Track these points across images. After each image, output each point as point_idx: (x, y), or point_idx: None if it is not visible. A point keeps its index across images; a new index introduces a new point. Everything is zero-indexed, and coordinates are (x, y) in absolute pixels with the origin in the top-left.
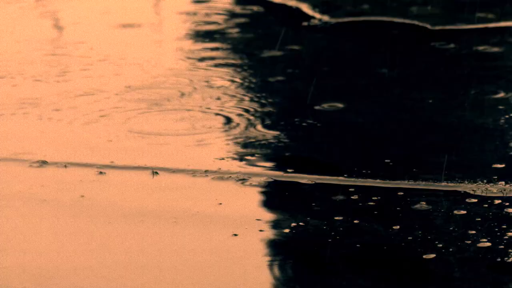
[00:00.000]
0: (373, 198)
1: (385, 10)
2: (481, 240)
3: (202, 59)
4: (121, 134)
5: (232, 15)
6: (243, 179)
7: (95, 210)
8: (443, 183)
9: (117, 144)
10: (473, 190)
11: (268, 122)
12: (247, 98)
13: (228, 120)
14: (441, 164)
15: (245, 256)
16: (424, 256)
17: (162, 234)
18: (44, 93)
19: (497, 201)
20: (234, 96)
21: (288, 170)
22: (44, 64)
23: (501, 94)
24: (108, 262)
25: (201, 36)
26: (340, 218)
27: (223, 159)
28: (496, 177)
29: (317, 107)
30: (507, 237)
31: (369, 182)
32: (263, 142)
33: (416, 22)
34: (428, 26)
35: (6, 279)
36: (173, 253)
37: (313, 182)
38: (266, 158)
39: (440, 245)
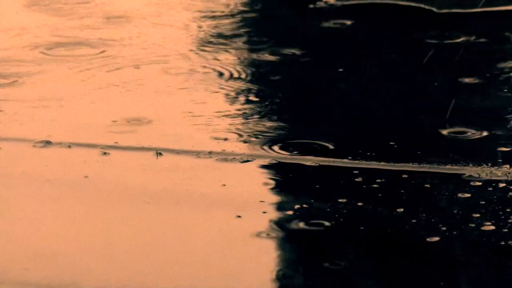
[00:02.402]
0: (377, 180)
1: None
2: (485, 224)
3: (204, 40)
4: (126, 114)
5: None
6: (247, 161)
7: (99, 191)
8: (448, 166)
9: (121, 124)
10: (477, 173)
11: (272, 104)
12: (250, 80)
13: (232, 103)
14: (446, 147)
15: (248, 238)
16: (427, 239)
17: (165, 215)
18: (48, 74)
19: (501, 185)
20: (237, 78)
21: (293, 152)
22: (49, 43)
23: (508, 77)
24: (111, 243)
25: (204, 16)
26: (344, 200)
27: (227, 140)
28: (501, 160)
29: (322, 90)
30: (511, 221)
31: (374, 165)
32: (268, 124)
33: (422, 5)
34: (435, 9)
35: (7, 260)
36: (176, 234)
37: (317, 164)
38: (271, 139)
39: (444, 228)
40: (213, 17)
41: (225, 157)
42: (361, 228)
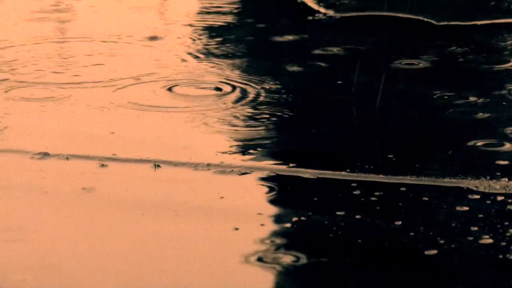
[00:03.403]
0: (375, 193)
1: (390, 5)
2: (483, 237)
3: (205, 51)
4: (123, 126)
5: (236, 8)
6: (246, 173)
7: (97, 203)
8: (446, 179)
9: (119, 136)
10: (476, 186)
11: (271, 116)
12: (250, 91)
13: (230, 114)
14: (444, 160)
15: (246, 250)
16: (425, 252)
17: (163, 227)
18: (46, 84)
19: (499, 198)
20: (236, 89)
21: (291, 165)
22: (46, 53)
23: (506, 90)
24: (109, 255)
25: (205, 28)
26: (342, 213)
27: (225, 152)
28: (499, 173)
29: (321, 101)
30: (509, 234)
31: (372, 177)
32: (266, 136)
33: (421, 18)
34: (434, 22)
35: (5, 271)
36: (174, 246)
37: (316, 177)
38: (269, 152)
39: (442, 241)
40: (213, 28)
41: (223, 169)
42: (359, 241)
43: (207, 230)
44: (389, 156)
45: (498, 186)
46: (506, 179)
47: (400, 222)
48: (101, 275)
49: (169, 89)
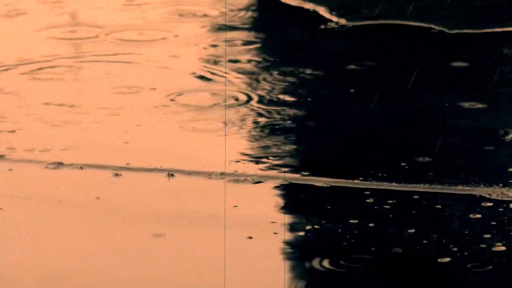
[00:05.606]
0: (388, 201)
1: (402, 14)
2: (496, 244)
3: (213, 60)
4: (138, 135)
5: (248, 17)
6: (259, 182)
7: (111, 212)
8: (459, 187)
9: (133, 145)
10: (488, 194)
11: (284, 125)
12: (261, 100)
13: (243, 123)
14: (457, 167)
15: (259, 259)
16: (439, 260)
17: (177, 236)
18: (59, 93)
19: None
20: (248, 98)
21: (304, 173)
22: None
23: None
24: (122, 264)
25: (216, 38)
26: (356, 221)
27: (239, 161)
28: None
29: (332, 110)
30: None
31: (385, 186)
32: (279, 144)
33: (433, 26)
34: (446, 30)
35: (19, 281)
36: (188, 255)
37: (329, 185)
38: (282, 160)
39: (455, 249)
40: (223, 36)
41: (237, 178)
42: (373, 248)
43: (220, 239)
44: (401, 164)
45: (511, 193)
46: None
47: (413, 230)
48: (114, 285)
49: (179, 95)
